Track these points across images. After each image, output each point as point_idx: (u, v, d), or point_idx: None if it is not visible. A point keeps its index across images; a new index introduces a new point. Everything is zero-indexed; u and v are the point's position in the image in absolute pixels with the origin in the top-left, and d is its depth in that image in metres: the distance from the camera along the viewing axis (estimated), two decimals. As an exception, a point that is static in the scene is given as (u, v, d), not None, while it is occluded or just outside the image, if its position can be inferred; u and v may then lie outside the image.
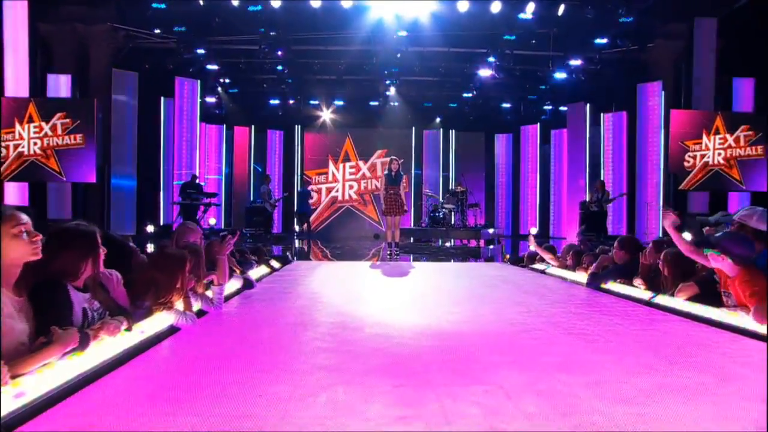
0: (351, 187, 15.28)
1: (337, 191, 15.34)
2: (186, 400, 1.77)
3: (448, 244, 12.37)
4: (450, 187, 13.88)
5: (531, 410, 1.69)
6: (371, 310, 3.42)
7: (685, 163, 10.27)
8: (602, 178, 12.63)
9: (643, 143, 11.71)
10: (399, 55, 11.06)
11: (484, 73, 11.95)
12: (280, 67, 12.23)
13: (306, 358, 2.31)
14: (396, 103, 14.42)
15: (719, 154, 10.09)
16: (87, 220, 7.68)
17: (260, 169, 15.18)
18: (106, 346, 2.17)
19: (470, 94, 13.64)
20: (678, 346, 2.54)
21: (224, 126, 14.59)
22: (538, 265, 5.66)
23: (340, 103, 14.75)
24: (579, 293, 4.21)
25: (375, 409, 1.70)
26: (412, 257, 9.15)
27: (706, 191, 10.49)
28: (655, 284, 3.69)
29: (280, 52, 11.26)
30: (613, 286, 4.09)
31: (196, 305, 3.25)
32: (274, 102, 14.46)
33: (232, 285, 4.05)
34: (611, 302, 3.76)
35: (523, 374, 2.07)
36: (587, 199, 12.67)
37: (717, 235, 2.95)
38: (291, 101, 14.41)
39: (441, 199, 12.98)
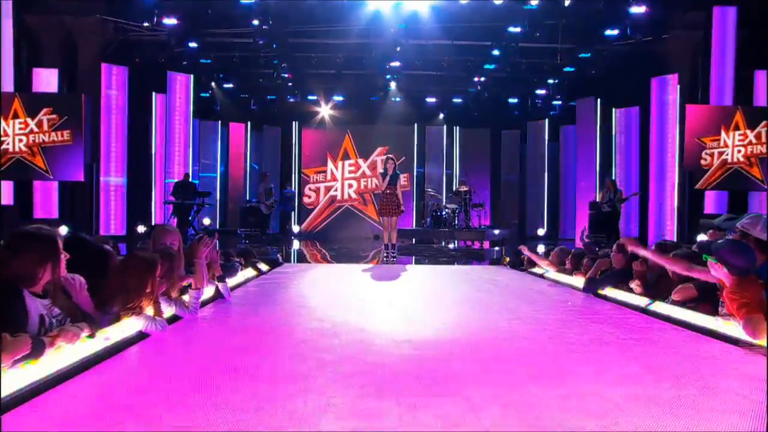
0: (350, 186, 15.29)
1: (336, 190, 15.36)
2: (138, 408, 1.79)
3: (451, 246, 12.37)
4: (454, 186, 13.87)
5: (493, 423, 1.69)
6: (351, 316, 3.43)
7: (702, 161, 10.18)
8: (613, 177, 12.57)
9: (656, 140, 11.61)
10: (398, 49, 11.06)
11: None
12: (275, 62, 12.27)
13: (273, 367, 2.32)
14: (397, 99, 14.41)
15: (739, 151, 9.99)
16: (75, 220, 7.78)
17: (257, 167, 15.24)
18: (65, 353, 2.19)
19: (475, 89, 13.60)
20: (665, 356, 2.53)
21: (219, 122, 14.68)
22: (536, 269, 5.64)
23: (339, 98, 14.76)
24: (574, 299, 4.19)
25: (328, 420, 1.71)
26: (413, 259, 9.16)
27: (724, 191, 10.37)
28: (657, 289, 3.66)
29: (275, 46, 11.30)
30: (610, 292, 4.07)
31: (169, 310, 3.28)
32: (271, 98, 14.51)
33: (211, 289, 4.07)
34: (605, 309, 3.74)
35: (495, 385, 2.07)
36: (597, 199, 12.62)
37: (718, 242, 2.91)
38: (288, 97, 14.44)
39: (444, 199, 12.96)
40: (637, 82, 12.05)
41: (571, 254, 5.07)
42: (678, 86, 11.09)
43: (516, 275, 5.88)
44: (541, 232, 14.49)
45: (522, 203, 15.07)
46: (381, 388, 2.04)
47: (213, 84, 13.75)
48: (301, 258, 9.51)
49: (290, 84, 13.62)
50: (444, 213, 12.30)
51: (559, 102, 14.50)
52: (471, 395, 1.94)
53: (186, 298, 3.51)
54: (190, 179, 12.45)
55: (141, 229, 11.25)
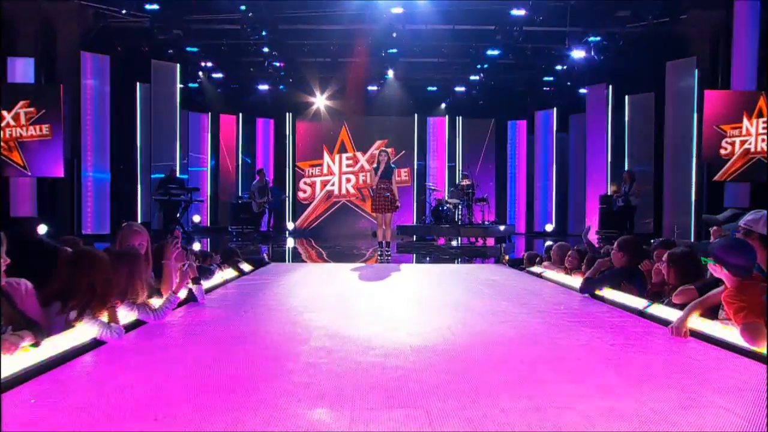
0: (348, 180, 15.25)
1: (333, 185, 15.33)
2: (69, 422, 1.75)
3: (454, 243, 12.31)
4: (457, 180, 13.78)
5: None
6: (326, 321, 3.38)
7: (722, 151, 10.02)
8: (629, 168, 12.45)
9: (672, 129, 11.44)
10: (395, 35, 10.95)
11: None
12: (266, 49, 12.20)
13: (227, 376, 2.28)
14: (396, 88, 14.32)
15: (763, 140, 9.80)
16: (56, 218, 7.77)
17: (249, 161, 15.23)
18: (3, 364, 2.15)
19: (478, 77, 13.48)
20: (653, 364, 2.46)
21: (209, 114, 14.67)
22: (535, 268, 5.58)
23: (335, 88, 14.69)
24: (569, 301, 4.12)
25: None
26: (414, 257, 9.12)
27: (746, 182, 10.20)
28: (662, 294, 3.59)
29: (264, 33, 11.23)
30: (607, 293, 4.00)
31: (132, 315, 3.24)
32: (263, 88, 14.46)
33: (184, 292, 4.04)
34: (601, 311, 3.68)
35: (460, 396, 2.01)
36: (609, 192, 12.50)
37: (714, 241, 2.85)
38: (281, 87, 14.38)
39: (446, 193, 12.89)
40: (651, 67, 11.89)
41: (569, 252, 4.99)
42: (696, 70, 10.90)
43: (514, 274, 5.82)
44: (549, 227, 14.40)
45: (529, 197, 14.96)
46: (336, 399, 1.99)
47: (200, 74, 13.71)
48: (291, 257, 9.49)
49: (282, 73, 13.56)
50: (445, 208, 12.21)
51: (569, 89, 14.38)
52: (431, 408, 1.89)
53: (154, 302, 3.48)
54: (178, 174, 12.45)
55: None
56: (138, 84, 12.22)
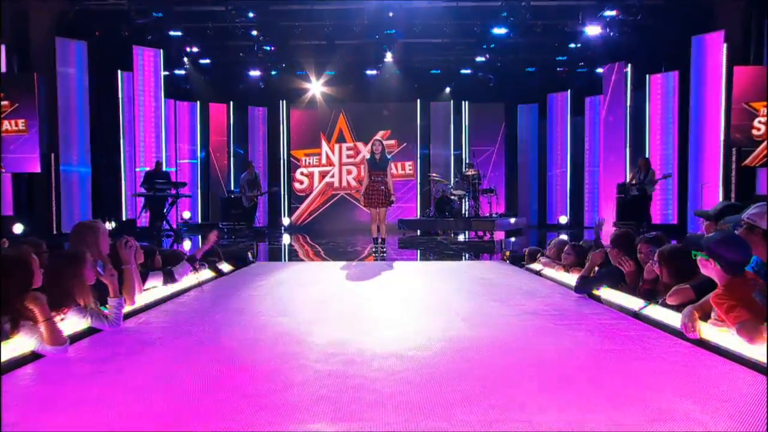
0: (349, 172, 15.21)
1: (333, 176, 15.32)
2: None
3: (461, 238, 12.25)
4: (462, 169, 13.69)
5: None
6: (295, 325, 3.36)
7: (754, 131, 9.85)
8: (647, 155, 12.27)
9: (698, 110, 11.25)
10: (391, 14, 10.84)
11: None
12: (255, 32, 12.15)
13: (170, 387, 2.25)
14: (397, 72, 14.24)
15: (801, 120, 9.63)
16: (33, 216, 7.75)
17: (242, 152, 15.24)
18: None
19: (485, 58, 13.33)
20: (630, 374, 2.39)
21: (198, 103, 14.68)
22: (534, 265, 5.52)
23: (331, 73, 14.62)
24: (564, 301, 4.06)
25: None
26: (412, 253, 9.08)
27: (782, 168, 10.01)
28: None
29: (252, 14, 11.18)
30: (605, 292, 3.93)
31: (84, 323, 3.23)
32: (254, 74, 14.44)
33: (147, 296, 4.02)
34: (595, 313, 3.61)
35: (414, 408, 1.97)
36: (627, 180, 12.34)
37: (709, 235, 2.78)
38: (273, 73, 14.35)
39: (452, 184, 12.81)
40: (675, 43, 11.66)
41: (566, 247, 4.92)
42: (725, 45, 10.67)
43: (512, 272, 5.76)
44: (563, 219, 14.28)
45: (542, 187, 14.82)
46: (282, 412, 1.95)
47: (186, 60, 13.68)
48: (279, 255, 9.49)
49: (274, 58, 13.52)
50: (450, 200, 12.14)
51: (584, 69, 14.19)
52: (379, 422, 1.85)
53: (108, 308, 3.46)
54: (164, 168, 12.48)
55: (110, 225, 11.33)
56: (119, 72, 12.27)
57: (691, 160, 11.44)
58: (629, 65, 12.78)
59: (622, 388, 2.18)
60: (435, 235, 12.25)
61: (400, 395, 2.12)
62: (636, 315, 3.38)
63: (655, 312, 3.23)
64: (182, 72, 14.13)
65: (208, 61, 13.90)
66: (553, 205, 14.65)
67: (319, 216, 15.29)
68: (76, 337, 3.00)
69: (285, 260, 8.68)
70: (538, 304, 3.98)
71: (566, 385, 2.23)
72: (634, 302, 3.52)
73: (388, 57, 13.09)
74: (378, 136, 8.49)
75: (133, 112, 12.38)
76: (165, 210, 11.96)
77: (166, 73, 13.51)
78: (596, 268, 4.24)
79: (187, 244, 11.18)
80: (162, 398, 2.14)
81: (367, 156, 8.11)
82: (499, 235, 11.99)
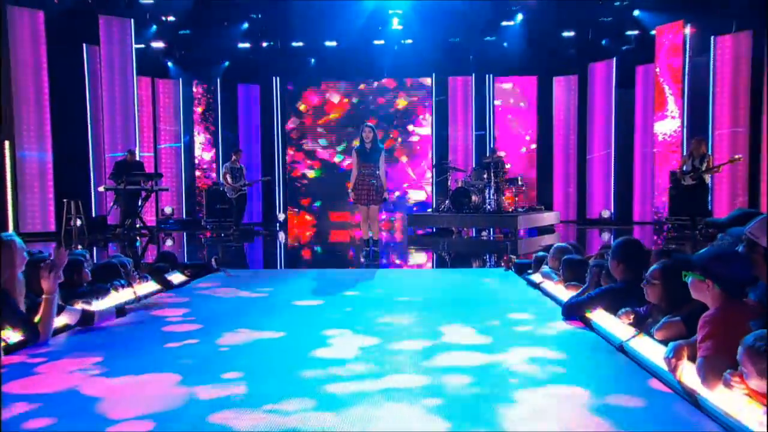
0: (350, 166, 15.15)
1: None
2: None
3: (484, 235, 12.03)
4: (486, 153, 13.43)
5: None
6: (194, 357, 3.27)
7: None
8: (710, 134, 11.81)
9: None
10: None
11: None
12: (238, -3, 12.11)
13: None
14: (410, 41, 14.03)
15: None
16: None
17: (231, 136, 15.25)
18: None
19: (512, 23, 13.02)
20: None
21: (180, 81, 14.73)
22: (536, 276, 5.32)
23: (332, 44, 14.47)
24: (550, 326, 3.86)
25: None
26: (409, 258, 8.94)
27: None
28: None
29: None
30: (598, 317, 3.70)
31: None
32: (243, 46, 14.40)
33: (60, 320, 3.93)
34: (578, 345, 3.40)
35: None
36: (679, 167, 11.88)
37: (702, 252, 2.60)
38: (264, 44, 14.29)
39: (472, 174, 12.57)
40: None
41: (562, 259, 4.69)
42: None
43: (509, 285, 5.56)
44: (605, 214, 13.91)
45: (581, 175, 14.46)
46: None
47: (154, 29, 13.63)
48: (254, 259, 9.47)
49: (264, 28, 13.45)
50: (469, 192, 11.89)
51: (635, 32, 13.73)
52: None
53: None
54: (137, 157, 12.54)
55: (76, 222, 11.44)
56: (84, 45, 12.34)
57: (765, 141, 10.97)
58: (688, 25, 12.29)
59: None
60: (452, 233, 12.05)
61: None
62: (620, 348, 3.16)
63: (642, 345, 3.00)
64: (160, 46, 14.16)
65: (187, 31, 13.89)
66: (594, 197, 14.24)
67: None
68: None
69: (260, 266, 8.65)
70: (517, 330, 3.78)
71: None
72: (623, 331, 3.28)
73: (395, 23, 12.88)
74: (369, 122, 8.25)
75: (100, 90, 12.46)
76: (139, 206, 12.01)
77: (142, 46, 13.59)
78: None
79: (170, 243, 11.27)
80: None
81: (356, 145, 7.94)
82: (531, 233, 11.74)
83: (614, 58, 13.96)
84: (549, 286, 4.87)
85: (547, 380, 2.81)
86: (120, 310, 4.35)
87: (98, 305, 4.36)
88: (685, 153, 12.16)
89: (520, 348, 3.36)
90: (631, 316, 3.35)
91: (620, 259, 3.72)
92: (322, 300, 5.06)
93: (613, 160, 14.04)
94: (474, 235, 12.31)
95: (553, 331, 3.78)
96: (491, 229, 12.32)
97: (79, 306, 4.16)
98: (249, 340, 3.74)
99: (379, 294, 5.33)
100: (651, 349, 2.91)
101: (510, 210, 11.79)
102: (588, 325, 3.77)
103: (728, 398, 2.17)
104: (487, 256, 9.04)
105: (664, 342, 2.86)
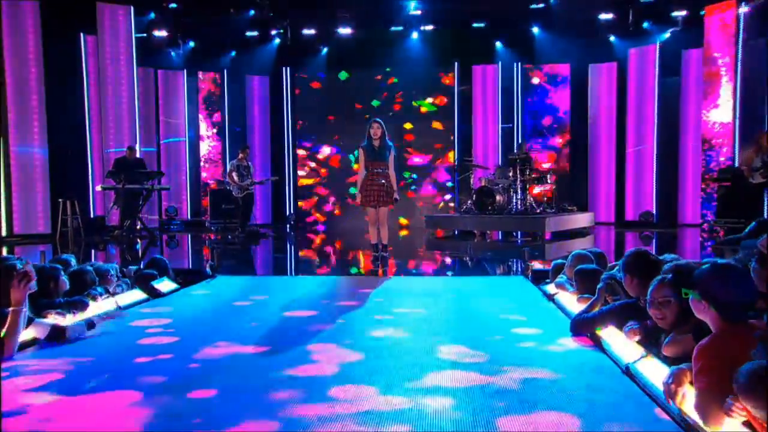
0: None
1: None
2: None
3: (512, 238, 11.93)
4: (513, 150, 13.32)
5: None
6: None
7: None
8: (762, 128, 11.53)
9: None
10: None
11: None
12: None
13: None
14: (429, 27, 13.97)
15: None
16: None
17: (239, 131, 15.37)
18: None
19: (542, 5, 12.92)
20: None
21: (184, 72, 14.89)
22: (551, 287, 5.24)
23: (346, 31, 14.48)
24: (552, 345, 3.78)
25: None
26: (421, 263, 8.90)
27: None
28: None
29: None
30: (608, 335, 3.61)
31: None
32: (251, 34, 14.50)
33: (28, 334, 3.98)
34: (582, 367, 3.30)
35: None
36: (738, 163, 11.61)
37: (702, 268, 2.52)
38: (274, 33, 14.38)
39: (495, 173, 12.48)
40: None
41: (577, 268, 4.60)
42: None
43: (520, 296, 5.48)
44: (647, 216, 13.70)
45: (619, 172, 14.31)
46: None
47: (155, 16, 13.76)
48: (253, 265, 9.51)
49: (272, 14, 13.54)
50: (493, 191, 11.79)
51: (681, 13, 13.50)
52: None
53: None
54: (137, 153, 12.71)
55: (73, 222, 11.62)
56: (82, 35, 12.56)
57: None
58: (743, 4, 12.03)
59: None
60: (473, 235, 11.97)
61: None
62: (626, 371, 3.08)
63: (649, 368, 2.92)
64: (163, 34, 14.33)
65: (190, 19, 14.04)
66: (634, 196, 14.05)
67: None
68: None
69: (261, 272, 8.69)
70: (514, 351, 3.73)
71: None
72: (631, 352, 3.20)
73: (412, 6, 12.84)
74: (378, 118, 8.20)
75: (98, 82, 12.65)
76: (139, 205, 12.17)
77: (143, 35, 13.78)
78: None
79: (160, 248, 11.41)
80: None
81: (363, 142, 7.92)
82: (560, 235, 11.60)
83: (657, 43, 13.79)
84: (563, 297, 4.79)
85: (538, 405, 2.74)
86: (90, 324, 4.36)
87: (73, 318, 4.40)
88: (736, 148, 11.91)
89: (516, 368, 3.30)
90: (638, 334, 3.27)
91: (632, 273, 3.62)
92: (316, 310, 5.04)
93: (655, 155, 13.84)
94: (499, 238, 12.21)
95: (559, 349, 3.70)
96: (518, 233, 12.20)
97: (51, 319, 4.21)
98: (226, 354, 3.74)
99: (378, 304, 5.30)
100: (658, 373, 2.82)
101: (537, 211, 11.65)
102: (598, 343, 3.68)
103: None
104: (511, 262, 8.95)
105: (674, 360, 2.79)
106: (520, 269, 7.85)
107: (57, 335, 4.08)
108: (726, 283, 2.38)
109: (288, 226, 15.03)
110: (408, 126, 14.79)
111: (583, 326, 3.82)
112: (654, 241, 11.78)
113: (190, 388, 3.05)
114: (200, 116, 15.21)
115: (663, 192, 13.76)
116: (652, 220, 13.65)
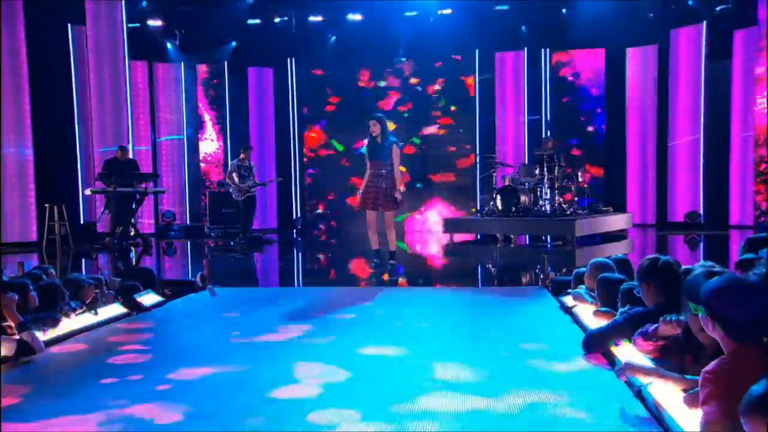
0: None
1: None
2: None
3: (541, 241, 11.84)
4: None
5: None
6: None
7: None
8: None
9: None
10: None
11: None
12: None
13: None
14: (448, 11, 13.89)
15: None
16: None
17: (241, 128, 15.46)
18: None
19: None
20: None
21: (181, 65, 15.00)
22: (569, 299, 5.19)
23: (356, 17, 14.49)
24: (562, 364, 3.73)
25: None
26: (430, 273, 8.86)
27: None
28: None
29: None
30: (622, 351, 3.56)
31: None
32: (253, 22, 14.59)
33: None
34: (587, 385, 3.27)
35: None
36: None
37: (709, 282, 2.45)
38: (277, 21, 14.45)
39: (520, 171, 12.39)
40: None
41: (599, 277, 4.54)
42: None
43: (537, 308, 5.49)
44: (693, 216, 13.53)
45: (660, 168, 14.15)
46: None
47: (147, 4, 13.86)
48: (253, 274, 9.55)
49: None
50: (518, 191, 11.68)
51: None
52: None
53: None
54: (130, 154, 12.82)
55: (61, 229, 11.71)
56: (69, 26, 12.69)
57: None
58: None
59: None
60: (496, 240, 11.90)
61: None
62: (637, 394, 3.02)
63: (660, 393, 2.86)
64: (158, 24, 14.45)
65: (189, 8, 14.15)
66: (677, 195, 13.90)
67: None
68: None
69: (258, 283, 8.72)
70: (526, 366, 3.69)
71: None
72: (645, 374, 3.13)
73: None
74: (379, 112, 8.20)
75: (88, 77, 12.79)
76: (132, 210, 12.23)
77: (136, 25, 13.91)
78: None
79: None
80: None
81: (365, 141, 7.92)
82: (593, 239, 11.50)
83: (704, 22, 13.65)
84: (581, 310, 4.73)
85: (532, 434, 2.71)
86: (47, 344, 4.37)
87: (43, 335, 4.43)
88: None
89: (517, 390, 3.25)
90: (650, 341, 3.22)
91: (649, 281, 3.57)
92: (309, 325, 5.05)
93: (702, 148, 13.66)
94: (526, 242, 12.12)
95: (568, 369, 3.65)
96: (548, 236, 12.09)
97: (26, 336, 4.24)
98: (201, 376, 3.72)
99: (376, 317, 5.33)
100: (672, 398, 2.77)
101: (567, 212, 11.53)
102: (611, 362, 3.63)
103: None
104: (537, 270, 8.87)
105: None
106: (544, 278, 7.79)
107: (25, 351, 4.13)
108: (733, 301, 2.31)
109: (294, 231, 15.06)
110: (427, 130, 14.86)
111: (596, 342, 3.78)
112: (701, 244, 11.62)
113: (153, 414, 3.05)
114: (199, 112, 15.29)
115: (711, 190, 13.55)
116: (699, 221, 13.44)
